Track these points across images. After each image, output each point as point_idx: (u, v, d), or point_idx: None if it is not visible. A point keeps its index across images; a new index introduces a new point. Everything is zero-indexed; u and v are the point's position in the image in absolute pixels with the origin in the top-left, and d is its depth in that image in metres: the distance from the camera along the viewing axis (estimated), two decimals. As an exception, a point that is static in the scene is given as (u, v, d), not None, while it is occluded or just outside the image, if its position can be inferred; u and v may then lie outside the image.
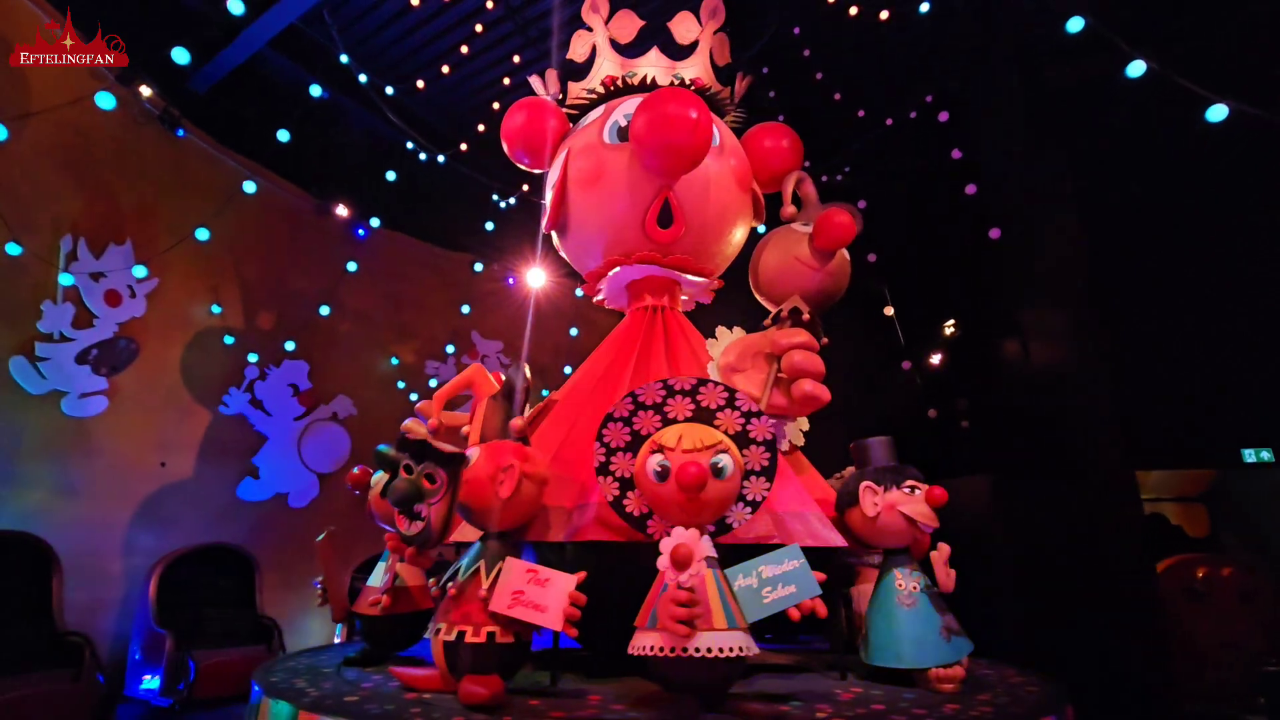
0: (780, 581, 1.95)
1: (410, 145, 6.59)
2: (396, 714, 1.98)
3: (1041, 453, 4.73)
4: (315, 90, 5.72)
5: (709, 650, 1.84)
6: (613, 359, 3.80)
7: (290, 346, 6.71)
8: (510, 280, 8.64)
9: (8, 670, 4.06)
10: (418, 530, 2.31)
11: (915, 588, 2.47)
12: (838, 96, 5.70)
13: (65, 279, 5.33)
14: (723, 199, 3.69)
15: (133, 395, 5.82)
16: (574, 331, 8.86)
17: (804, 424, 3.38)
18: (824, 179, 6.28)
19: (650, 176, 3.55)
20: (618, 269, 3.96)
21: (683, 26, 3.94)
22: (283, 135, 5.62)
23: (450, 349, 8.28)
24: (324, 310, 7.16)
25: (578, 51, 4.16)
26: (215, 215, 5.87)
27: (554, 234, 4.11)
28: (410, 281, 8.16)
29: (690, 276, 3.95)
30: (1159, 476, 5.80)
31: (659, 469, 2.03)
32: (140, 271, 5.61)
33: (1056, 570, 4.30)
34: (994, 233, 5.20)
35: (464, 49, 6.04)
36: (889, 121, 5.69)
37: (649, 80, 3.83)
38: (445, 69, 6.19)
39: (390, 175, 6.98)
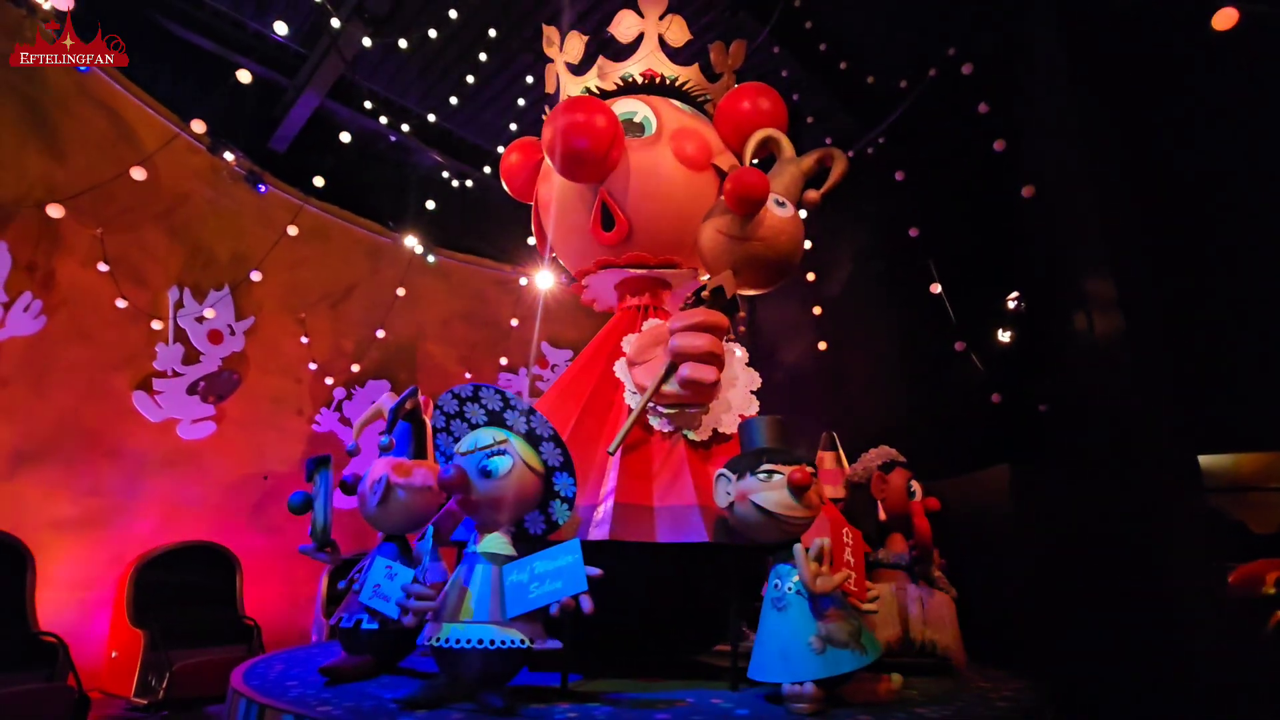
0: (550, 577, 1.94)
1: (445, 173, 7.03)
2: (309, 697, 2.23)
3: (1085, 437, 4.13)
4: (345, 137, 6.29)
5: (445, 641, 1.94)
6: (589, 360, 3.88)
7: (354, 368, 7.42)
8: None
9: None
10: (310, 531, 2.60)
11: (789, 589, 2.15)
12: (843, 65, 5.34)
13: (174, 324, 6.30)
14: (663, 188, 3.63)
15: (236, 419, 6.74)
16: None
17: (748, 407, 3.21)
18: (850, 154, 5.90)
19: (583, 186, 3.61)
20: (588, 278, 4.08)
21: (623, 25, 3.94)
22: (318, 181, 6.26)
23: (504, 360, 8.70)
24: (403, 333, 7.85)
25: (550, 85, 4.29)
26: (265, 257, 6.63)
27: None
28: (480, 300, 8.69)
29: (666, 270, 3.95)
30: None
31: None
32: (208, 311, 6.50)
33: (1099, 572, 3.74)
34: (1026, 191, 4.63)
35: (470, 79, 6.37)
36: (903, 84, 5.24)
37: (596, 91, 3.88)
38: (454, 100, 6.55)
39: (445, 202, 7.53)
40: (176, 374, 6.36)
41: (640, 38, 3.93)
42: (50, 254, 5.47)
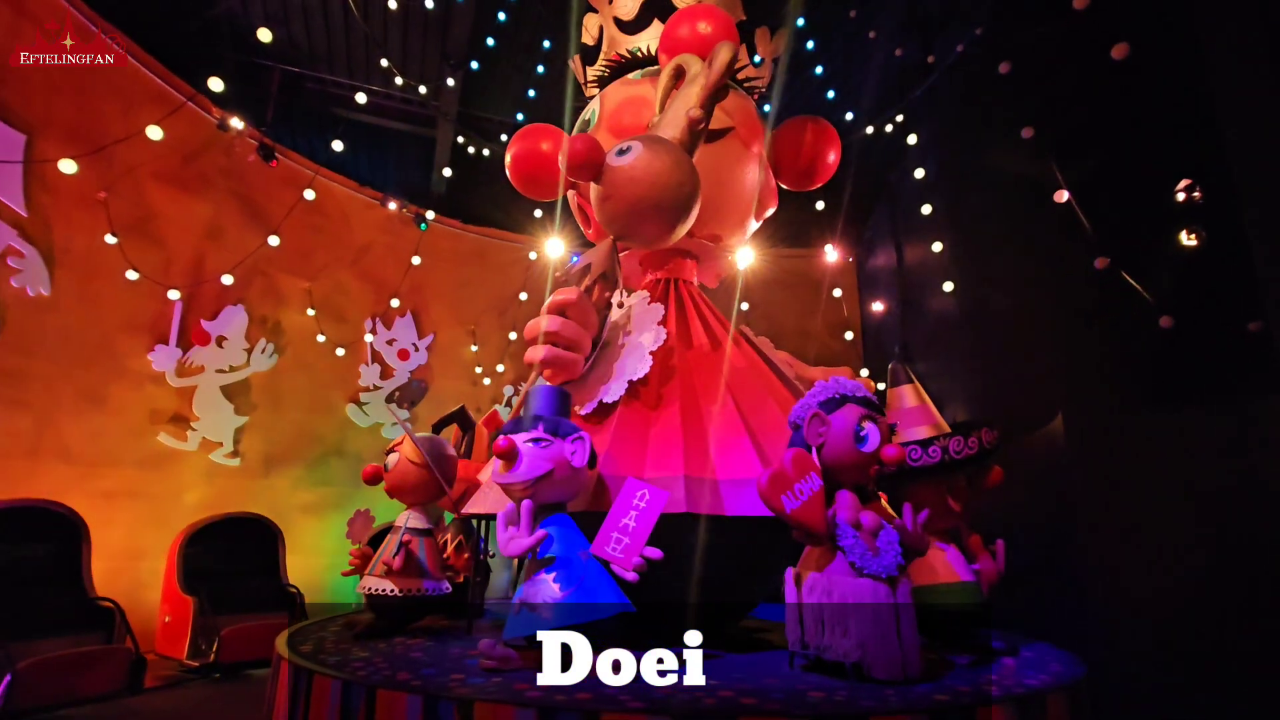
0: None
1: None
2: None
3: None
4: (447, 171, 7.20)
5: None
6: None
7: (500, 369, 8.45)
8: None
9: (41, 634, 4.25)
10: None
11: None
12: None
13: (371, 348, 7.90)
14: None
15: (426, 420, 8.13)
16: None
17: (637, 372, 3.15)
18: (930, 58, 5.15)
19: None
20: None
21: (589, 29, 4.08)
22: (426, 218, 7.22)
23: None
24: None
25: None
26: (401, 282, 7.87)
27: None
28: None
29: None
30: None
31: None
32: (367, 334, 7.87)
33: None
34: (1118, 50, 3.70)
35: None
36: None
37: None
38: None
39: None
40: (377, 388, 7.97)
41: (601, 31, 4.05)
42: (275, 307, 7.27)
